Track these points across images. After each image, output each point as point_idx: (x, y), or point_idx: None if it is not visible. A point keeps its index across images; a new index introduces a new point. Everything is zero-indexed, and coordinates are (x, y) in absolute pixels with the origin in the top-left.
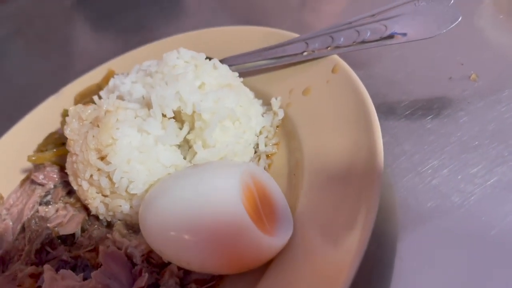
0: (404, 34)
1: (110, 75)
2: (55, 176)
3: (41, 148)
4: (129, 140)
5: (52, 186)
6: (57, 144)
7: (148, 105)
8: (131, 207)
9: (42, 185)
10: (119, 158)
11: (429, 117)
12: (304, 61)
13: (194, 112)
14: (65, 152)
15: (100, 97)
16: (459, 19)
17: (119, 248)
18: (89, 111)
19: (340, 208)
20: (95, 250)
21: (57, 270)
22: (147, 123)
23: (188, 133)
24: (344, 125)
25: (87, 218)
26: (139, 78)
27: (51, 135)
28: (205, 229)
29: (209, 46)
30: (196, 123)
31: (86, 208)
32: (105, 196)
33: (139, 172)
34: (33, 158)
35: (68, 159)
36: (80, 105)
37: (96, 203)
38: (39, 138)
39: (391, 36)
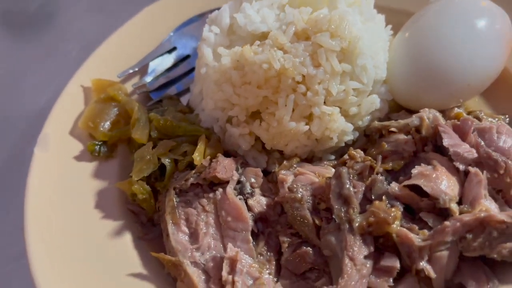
0: None
1: (99, 85)
2: (233, 164)
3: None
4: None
5: (237, 176)
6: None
7: None
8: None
9: (225, 182)
10: (366, 41)
11: None
12: None
13: None
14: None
15: None
16: None
17: None
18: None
19: None
20: None
21: None
22: None
23: None
24: None
25: None
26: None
27: (141, 158)
28: None
29: None
30: None
31: None
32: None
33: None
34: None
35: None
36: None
37: (341, 126)
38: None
39: None
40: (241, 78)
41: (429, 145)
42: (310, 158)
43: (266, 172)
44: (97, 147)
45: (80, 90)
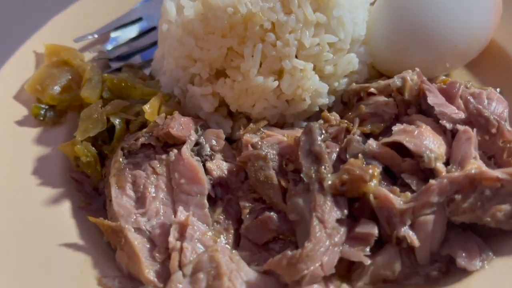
0: None
1: (53, 50)
2: (191, 123)
3: (83, 131)
4: None
5: (195, 137)
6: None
7: None
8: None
9: (181, 143)
10: None
11: None
12: None
13: None
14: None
15: None
16: None
17: None
18: None
19: None
20: None
21: None
22: None
23: None
24: None
25: None
26: None
27: (87, 117)
28: None
29: None
30: None
31: None
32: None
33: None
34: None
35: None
36: None
37: (315, 84)
38: None
39: None
40: (204, 28)
41: (412, 108)
42: (281, 125)
43: (231, 141)
44: (42, 111)
45: (31, 55)
